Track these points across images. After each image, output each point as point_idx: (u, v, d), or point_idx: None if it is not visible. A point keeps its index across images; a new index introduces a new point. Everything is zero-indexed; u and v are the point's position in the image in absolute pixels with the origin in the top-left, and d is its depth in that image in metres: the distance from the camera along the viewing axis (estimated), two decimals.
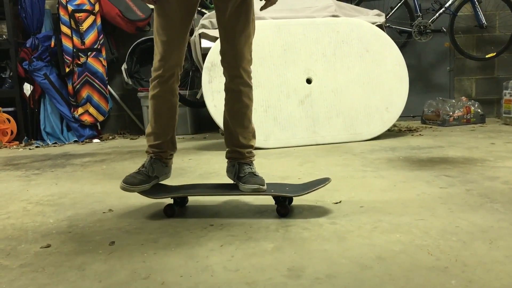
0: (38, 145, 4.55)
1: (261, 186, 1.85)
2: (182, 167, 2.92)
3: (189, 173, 2.75)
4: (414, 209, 1.82)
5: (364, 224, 1.67)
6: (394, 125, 4.39)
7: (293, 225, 1.69)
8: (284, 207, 1.84)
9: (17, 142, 4.69)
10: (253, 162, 1.99)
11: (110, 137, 4.94)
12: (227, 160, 2.01)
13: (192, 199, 2.10)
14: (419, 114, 4.89)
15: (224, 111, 1.97)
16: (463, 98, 4.68)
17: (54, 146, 4.52)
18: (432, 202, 1.91)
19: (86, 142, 4.67)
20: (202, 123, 5.14)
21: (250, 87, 1.92)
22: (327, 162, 2.87)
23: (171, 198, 1.93)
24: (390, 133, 4.03)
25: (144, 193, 1.90)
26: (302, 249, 1.46)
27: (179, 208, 1.97)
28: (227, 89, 1.93)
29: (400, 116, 3.83)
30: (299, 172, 2.61)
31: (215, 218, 1.84)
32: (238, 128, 1.94)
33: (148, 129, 1.97)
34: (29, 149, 4.34)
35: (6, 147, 4.52)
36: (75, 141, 4.72)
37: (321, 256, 1.40)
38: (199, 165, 2.98)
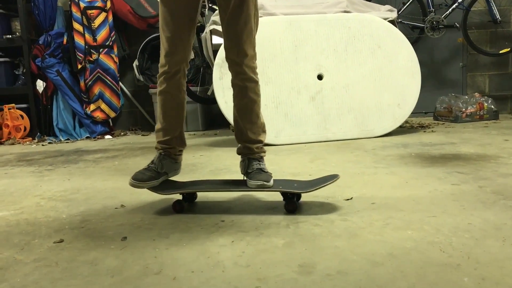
0: (51, 141, 4.60)
1: (265, 183, 1.86)
2: (193, 163, 2.93)
3: (200, 169, 2.75)
4: (426, 206, 1.81)
5: (376, 220, 1.67)
6: (406, 122, 4.36)
7: (304, 222, 1.69)
8: (292, 203, 1.84)
9: (30, 138, 4.74)
10: (263, 158, 1.99)
11: (122, 133, 4.97)
12: (239, 155, 2.02)
13: (203, 195, 2.10)
14: (431, 111, 4.85)
15: (233, 107, 1.98)
16: (476, 94, 4.64)
17: (67, 142, 4.56)
18: (444, 199, 1.89)
19: (98, 138, 4.71)
20: (213, 119, 5.15)
21: (255, 82, 1.92)
22: (338, 159, 2.87)
23: (180, 194, 1.94)
24: (402, 129, 4.01)
25: (153, 189, 1.91)
26: (313, 246, 1.46)
27: (188, 204, 1.98)
28: (233, 84, 1.94)
29: (412, 113, 3.80)
30: (310, 168, 2.61)
31: (226, 214, 1.84)
32: (247, 124, 1.95)
33: (157, 125, 1.98)
34: (42, 145, 4.38)
35: (19, 143, 4.57)
36: (87, 137, 4.76)
37: (332, 252, 1.40)
38: (210, 161, 2.99)
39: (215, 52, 3.83)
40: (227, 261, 1.38)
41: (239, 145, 2.00)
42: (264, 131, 2.01)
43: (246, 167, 1.95)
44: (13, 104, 4.74)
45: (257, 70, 1.94)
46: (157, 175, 1.91)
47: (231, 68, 1.91)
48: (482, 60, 5.09)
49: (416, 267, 1.27)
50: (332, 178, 1.90)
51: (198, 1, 1.87)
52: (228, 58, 1.90)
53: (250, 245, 1.49)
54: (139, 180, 1.87)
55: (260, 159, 1.97)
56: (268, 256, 1.40)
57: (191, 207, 1.97)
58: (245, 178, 1.96)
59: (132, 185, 1.88)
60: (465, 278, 1.19)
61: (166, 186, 1.95)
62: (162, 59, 1.87)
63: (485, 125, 4.17)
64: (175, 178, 2.04)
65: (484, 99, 4.55)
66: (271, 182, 1.87)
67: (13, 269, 1.41)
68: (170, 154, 1.96)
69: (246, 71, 1.88)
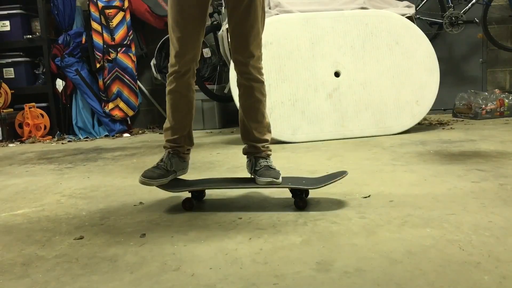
0: (70, 139, 4.66)
1: (275, 179, 1.87)
2: (211, 161, 2.95)
3: (218, 167, 2.77)
4: (445, 203, 1.79)
5: (394, 218, 1.66)
6: (425, 119, 4.31)
7: (321, 219, 1.69)
8: (302, 200, 1.85)
9: (50, 137, 4.81)
10: (270, 156, 2.01)
11: (140, 131, 5.01)
12: (245, 155, 2.04)
13: (220, 193, 2.11)
14: (450, 107, 4.79)
15: (239, 107, 2.00)
16: (496, 91, 4.56)
17: (86, 140, 4.61)
18: (464, 196, 1.87)
19: (116, 136, 4.75)
20: (230, 117, 5.16)
21: (261, 82, 1.94)
22: (355, 156, 2.85)
23: (189, 192, 1.95)
24: (421, 126, 3.97)
25: (162, 187, 1.93)
26: (330, 243, 1.46)
27: (197, 202, 1.99)
28: (239, 84, 1.96)
29: (430, 109, 3.76)
30: (327, 166, 2.60)
31: (244, 211, 1.85)
32: (252, 123, 1.97)
33: (165, 124, 2.00)
34: (62, 143, 4.45)
35: (39, 141, 4.64)
36: (106, 136, 4.81)
37: (350, 250, 1.40)
38: (227, 159, 3.00)
39: (231, 50, 3.83)
40: (245, 258, 1.38)
41: (245, 145, 2.03)
42: (269, 131, 2.03)
43: (253, 166, 1.97)
44: (33, 103, 4.81)
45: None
46: (166, 173, 1.93)
47: (237, 68, 1.94)
48: (502, 56, 5.00)
49: (435, 265, 1.26)
50: (340, 174, 1.91)
51: (208, 1, 1.89)
52: (234, 58, 1.92)
53: (268, 242, 1.50)
54: (149, 177, 1.89)
55: (267, 157, 1.99)
56: (286, 253, 1.40)
57: (198, 205, 1.98)
58: (252, 176, 1.98)
59: (142, 183, 1.90)
60: (486, 276, 1.17)
61: (175, 184, 1.97)
62: (172, 59, 1.89)
63: (505, 122, 4.11)
64: (187, 176, 2.06)
65: (504, 95, 4.47)
66: (280, 178, 1.89)
67: (35, 265, 1.43)
68: (178, 152, 1.98)
69: (252, 72, 1.90)
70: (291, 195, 1.90)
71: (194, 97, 1.98)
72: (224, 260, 1.38)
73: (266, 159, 1.97)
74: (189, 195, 1.96)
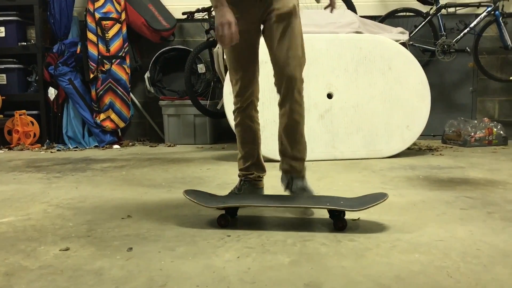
0: (60, 148, 4.62)
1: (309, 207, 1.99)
2: (200, 177, 2.94)
3: (207, 182, 2.76)
4: (433, 229, 1.80)
5: (383, 242, 1.66)
6: (414, 144, 4.35)
7: (310, 240, 1.69)
8: (340, 220, 1.81)
9: (39, 145, 4.77)
10: (305, 176, 2.11)
11: (130, 143, 4.99)
12: (281, 170, 2.13)
13: (209, 210, 2.10)
14: (440, 134, 4.84)
15: (279, 125, 2.10)
16: (485, 119, 4.62)
17: (75, 150, 4.58)
18: (452, 223, 1.88)
19: (106, 147, 4.73)
20: (221, 133, 5.16)
21: (300, 105, 2.03)
22: (345, 178, 2.86)
23: (223, 209, 1.92)
24: (410, 151, 4.00)
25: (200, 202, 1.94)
26: (319, 265, 1.45)
27: (231, 218, 1.95)
28: (280, 106, 2.06)
29: (420, 135, 3.80)
30: (317, 187, 2.60)
31: (232, 229, 1.84)
32: (291, 143, 2.07)
33: (238, 155, 2.20)
34: (51, 152, 4.41)
35: (28, 149, 4.60)
36: (96, 146, 4.78)
37: (338, 272, 1.39)
38: (217, 175, 2.99)
39: (226, 67, 3.85)
40: (233, 276, 1.37)
41: (282, 160, 2.11)
42: (305, 149, 2.12)
43: (289, 184, 2.08)
44: (24, 111, 4.78)
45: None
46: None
47: (280, 92, 2.01)
48: (492, 86, 5.08)
49: None
50: (382, 197, 1.86)
51: (258, 42, 2.04)
52: (277, 83, 2.01)
53: (256, 261, 1.49)
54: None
55: (303, 178, 2.10)
56: (274, 273, 1.39)
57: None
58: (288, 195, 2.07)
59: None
60: None
61: (211, 200, 1.99)
62: (234, 98, 2.09)
63: (493, 150, 4.15)
64: (216, 192, 2.09)
65: (493, 124, 4.53)
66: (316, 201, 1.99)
67: (19, 275, 1.41)
68: (250, 180, 2.16)
69: (295, 96, 1.99)
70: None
71: (258, 128, 2.15)
72: (212, 278, 1.37)
73: (302, 181, 2.08)
74: (223, 212, 1.91)
